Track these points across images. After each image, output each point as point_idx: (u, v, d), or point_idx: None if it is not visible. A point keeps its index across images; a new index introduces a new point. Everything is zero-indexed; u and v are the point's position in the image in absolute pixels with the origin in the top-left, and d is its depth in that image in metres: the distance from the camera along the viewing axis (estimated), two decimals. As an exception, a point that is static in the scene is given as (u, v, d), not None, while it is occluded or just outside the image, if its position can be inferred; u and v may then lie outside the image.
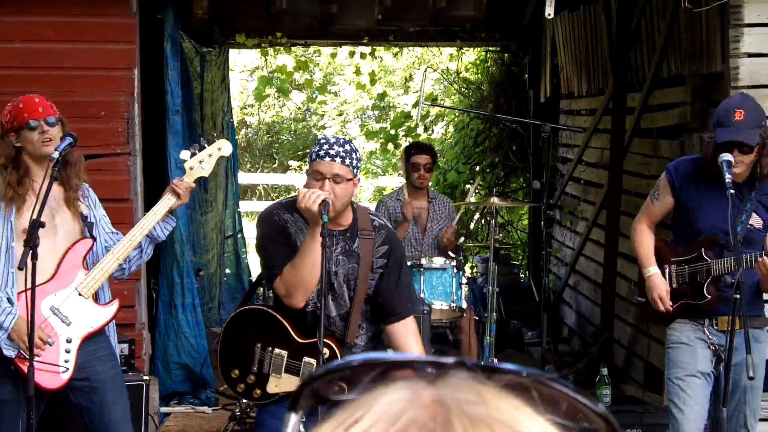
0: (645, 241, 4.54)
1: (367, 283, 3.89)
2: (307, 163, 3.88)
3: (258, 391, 3.93)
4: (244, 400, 4.06)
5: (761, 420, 4.64)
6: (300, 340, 3.89)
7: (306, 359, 3.85)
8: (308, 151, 3.91)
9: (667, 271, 4.48)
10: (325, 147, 3.74)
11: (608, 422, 0.67)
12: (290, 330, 3.89)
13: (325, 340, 3.78)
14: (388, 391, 0.63)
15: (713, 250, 4.32)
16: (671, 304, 4.41)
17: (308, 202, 3.62)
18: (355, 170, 3.77)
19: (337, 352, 3.85)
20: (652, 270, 4.46)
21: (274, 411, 3.91)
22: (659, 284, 4.42)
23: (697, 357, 4.34)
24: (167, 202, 4.11)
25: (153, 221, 4.11)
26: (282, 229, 3.85)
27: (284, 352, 3.90)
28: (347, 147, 3.76)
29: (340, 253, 3.86)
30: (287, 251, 3.81)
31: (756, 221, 4.30)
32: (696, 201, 4.36)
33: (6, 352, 3.96)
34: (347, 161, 3.73)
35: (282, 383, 3.89)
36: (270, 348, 3.91)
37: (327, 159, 3.71)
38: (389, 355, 0.69)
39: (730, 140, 4.10)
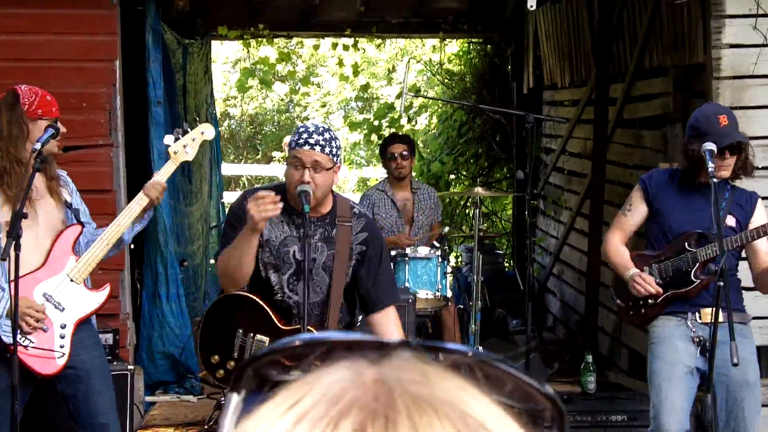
0: (618, 249, 4.53)
1: (345, 271, 3.88)
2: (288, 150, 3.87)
3: None
4: (223, 387, 4.02)
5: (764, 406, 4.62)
6: (282, 327, 3.87)
7: None
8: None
9: (647, 271, 4.48)
10: (305, 135, 3.72)
11: (554, 403, 0.66)
12: (272, 316, 3.86)
13: (308, 327, 3.79)
14: (330, 371, 0.62)
15: (697, 243, 4.36)
16: (659, 290, 4.39)
17: (257, 214, 3.57)
18: (335, 158, 3.76)
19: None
20: (632, 271, 4.43)
21: None
22: (640, 275, 4.40)
23: (679, 351, 4.35)
24: (141, 202, 4.13)
25: (138, 209, 4.12)
26: (244, 214, 3.85)
27: (266, 339, 3.87)
28: (327, 135, 3.74)
29: (319, 240, 3.86)
30: None
31: (730, 221, 4.37)
32: (669, 204, 4.43)
33: (5, 338, 3.95)
34: (327, 149, 3.71)
35: None
36: (251, 334, 3.89)
37: (306, 147, 3.70)
38: (333, 334, 0.68)
39: (731, 143, 4.19)
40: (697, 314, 4.35)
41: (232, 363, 3.89)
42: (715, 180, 4.08)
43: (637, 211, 4.52)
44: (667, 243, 4.45)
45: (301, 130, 3.78)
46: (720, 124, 4.19)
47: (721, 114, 4.23)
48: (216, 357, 3.92)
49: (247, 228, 3.65)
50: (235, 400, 0.69)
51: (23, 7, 5.87)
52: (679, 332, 4.37)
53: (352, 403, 0.58)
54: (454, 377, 0.62)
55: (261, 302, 3.88)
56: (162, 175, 4.20)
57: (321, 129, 3.79)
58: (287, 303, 3.83)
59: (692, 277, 4.35)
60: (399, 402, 0.58)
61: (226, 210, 9.69)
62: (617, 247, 4.53)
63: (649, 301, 4.48)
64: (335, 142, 3.77)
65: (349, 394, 0.59)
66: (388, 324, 3.91)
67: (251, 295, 3.92)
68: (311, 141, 3.70)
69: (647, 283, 4.37)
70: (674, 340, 4.37)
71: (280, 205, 3.63)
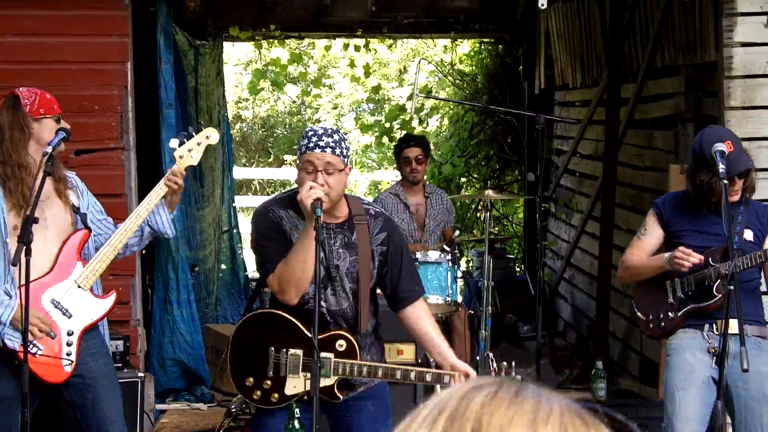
0: (642, 259, 4.53)
1: (370, 273, 3.86)
2: (298, 155, 3.85)
3: (276, 395, 3.81)
4: (262, 406, 3.90)
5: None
6: (308, 334, 3.76)
7: (323, 355, 3.73)
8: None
9: (669, 285, 4.48)
10: (314, 138, 3.71)
11: None
12: (302, 328, 3.79)
13: (340, 332, 3.78)
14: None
15: (721, 258, 4.34)
16: (701, 258, 4.31)
17: (304, 196, 3.60)
18: (345, 159, 3.75)
19: (353, 342, 3.80)
20: (666, 255, 4.40)
21: (274, 411, 3.86)
22: (678, 251, 4.31)
23: (695, 361, 4.35)
24: (159, 191, 4.11)
25: (146, 210, 4.11)
26: (276, 226, 3.83)
27: (299, 351, 3.80)
28: (336, 137, 3.74)
29: (340, 247, 3.84)
30: (281, 247, 3.78)
31: (748, 235, 4.39)
32: (685, 227, 4.44)
33: (9, 343, 3.94)
34: (337, 151, 3.70)
35: (300, 383, 3.80)
36: (284, 350, 3.82)
37: (317, 150, 3.69)
38: None
39: (740, 171, 4.23)
40: (714, 326, 4.36)
41: (269, 382, 3.82)
42: (726, 182, 4.08)
43: (652, 234, 4.54)
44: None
45: (310, 133, 3.77)
46: (726, 151, 4.18)
47: (725, 140, 4.23)
48: (251, 379, 3.84)
49: (307, 223, 3.65)
50: None
51: (34, 9, 5.87)
52: (696, 343, 4.39)
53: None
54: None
55: (287, 316, 3.83)
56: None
57: (330, 131, 3.79)
58: (330, 321, 3.78)
59: (714, 292, 4.35)
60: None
61: (238, 214, 9.71)
62: (639, 258, 4.54)
63: (669, 314, 4.48)
64: (344, 143, 3.77)
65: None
66: (420, 316, 3.91)
67: (277, 311, 3.86)
68: (321, 144, 3.70)
69: (689, 255, 4.29)
70: (689, 351, 4.38)
71: (319, 182, 3.65)
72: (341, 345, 3.79)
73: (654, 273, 4.52)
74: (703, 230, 4.40)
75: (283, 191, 4.06)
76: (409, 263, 4.01)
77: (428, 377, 3.76)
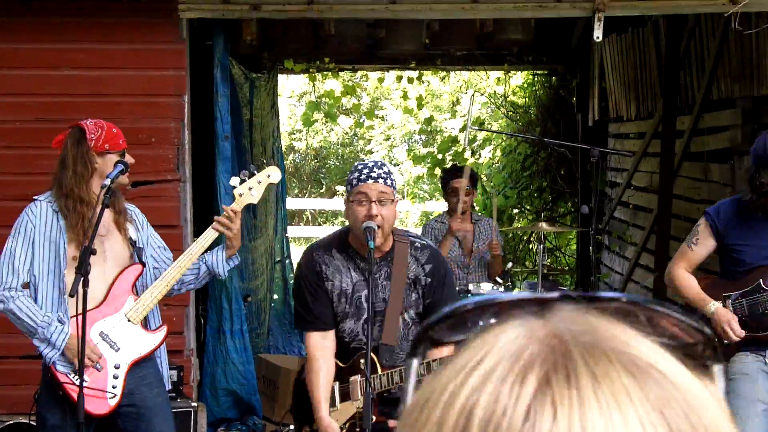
0: (689, 282, 4.45)
1: (402, 294, 3.86)
2: (347, 191, 3.86)
3: None
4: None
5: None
6: (341, 365, 3.88)
7: (351, 378, 3.84)
8: (353, 177, 3.92)
9: (721, 306, 4.40)
10: (365, 171, 3.76)
11: (704, 334, 0.70)
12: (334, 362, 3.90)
13: (360, 353, 3.83)
14: (504, 330, 0.66)
15: None
16: (742, 334, 4.31)
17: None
18: (395, 190, 3.80)
19: (375, 361, 3.83)
20: (713, 305, 4.34)
21: None
22: (726, 315, 4.31)
23: (758, 388, 4.26)
24: (211, 235, 4.12)
25: (199, 250, 4.12)
26: (317, 275, 3.85)
27: (335, 384, 3.89)
28: (386, 168, 3.81)
29: (384, 279, 3.86)
30: (318, 303, 3.84)
31: None
32: (742, 238, 4.34)
33: (61, 369, 3.99)
34: (388, 181, 3.76)
35: (341, 413, 3.87)
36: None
37: (370, 181, 3.72)
38: (499, 295, 0.72)
39: None
40: None
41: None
42: None
43: (704, 245, 4.43)
44: (740, 276, 4.36)
45: (360, 167, 3.81)
46: None
47: None
48: (307, 428, 3.97)
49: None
50: (415, 364, 0.76)
51: (94, 43, 5.97)
52: (756, 368, 4.29)
53: (532, 358, 0.62)
54: (615, 323, 0.65)
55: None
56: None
57: (379, 163, 3.85)
58: (364, 348, 3.75)
59: None
60: (575, 352, 0.62)
61: (291, 244, 9.75)
62: (686, 279, 4.45)
63: (725, 341, 4.39)
64: (393, 175, 3.84)
65: (528, 350, 0.63)
66: None
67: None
68: (373, 175, 3.73)
69: (735, 330, 4.27)
70: (753, 377, 4.29)
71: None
72: (364, 364, 3.82)
73: (694, 306, 4.46)
74: (760, 244, 4.30)
75: (329, 235, 4.08)
76: (451, 293, 3.99)
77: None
